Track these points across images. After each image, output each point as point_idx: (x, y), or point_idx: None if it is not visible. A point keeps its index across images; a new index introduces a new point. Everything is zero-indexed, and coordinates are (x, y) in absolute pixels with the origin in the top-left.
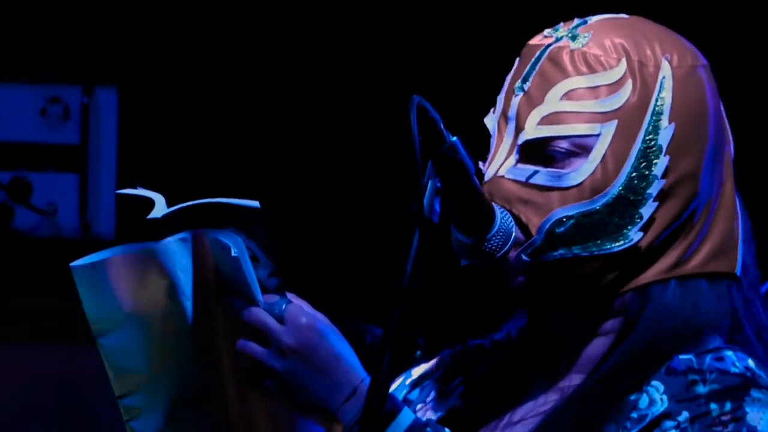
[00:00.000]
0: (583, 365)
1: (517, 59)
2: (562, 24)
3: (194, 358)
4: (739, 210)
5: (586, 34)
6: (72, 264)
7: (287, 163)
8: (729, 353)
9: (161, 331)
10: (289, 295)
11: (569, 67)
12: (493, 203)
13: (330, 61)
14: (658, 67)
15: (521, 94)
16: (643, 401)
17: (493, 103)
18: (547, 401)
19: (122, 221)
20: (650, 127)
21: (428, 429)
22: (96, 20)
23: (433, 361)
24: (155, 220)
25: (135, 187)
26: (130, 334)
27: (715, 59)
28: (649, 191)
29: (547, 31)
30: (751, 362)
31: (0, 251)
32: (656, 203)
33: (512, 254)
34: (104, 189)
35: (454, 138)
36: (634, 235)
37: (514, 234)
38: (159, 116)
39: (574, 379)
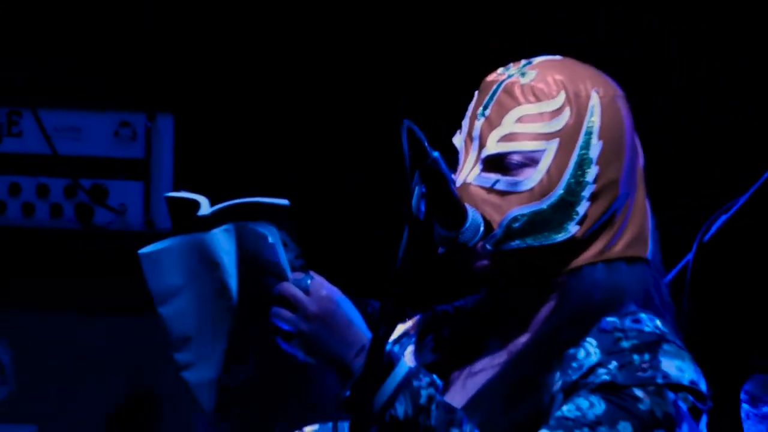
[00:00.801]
0: (529, 328)
1: (476, 92)
2: (512, 64)
3: (234, 323)
4: (648, 209)
5: (532, 72)
6: (139, 251)
7: (289, 163)
8: (643, 315)
9: (208, 302)
10: (311, 273)
11: (521, 98)
12: (465, 204)
13: (332, 62)
14: (588, 97)
15: (483, 118)
16: (581, 354)
17: (459, 126)
18: (501, 356)
19: (172, 217)
20: (584, 144)
21: (420, 375)
22: (158, 62)
23: (409, 323)
24: (203, 216)
25: (179, 191)
26: (184, 305)
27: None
28: (583, 194)
29: (500, 70)
30: (658, 322)
31: (84, 241)
32: (589, 203)
33: (477, 245)
34: (162, 194)
35: (436, 153)
36: (572, 228)
37: (482, 228)
38: (205, 137)
39: (522, 338)
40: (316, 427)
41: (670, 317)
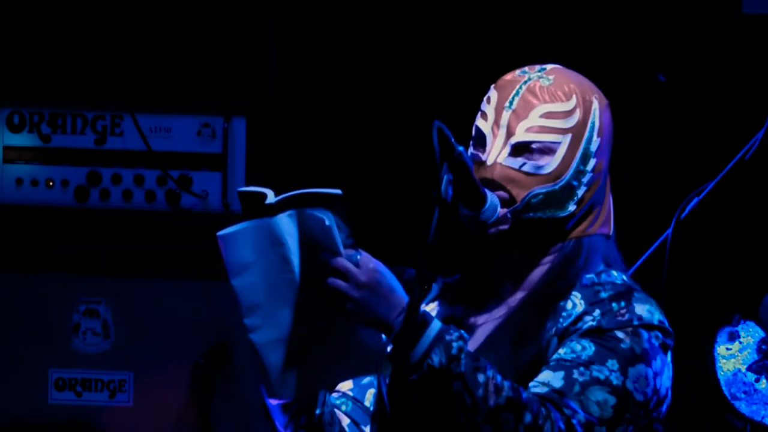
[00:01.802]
0: (524, 286)
1: (493, 87)
2: (527, 68)
3: (295, 293)
4: (611, 199)
5: (550, 77)
6: (218, 233)
7: (338, 159)
8: (613, 271)
9: (274, 275)
10: (360, 249)
11: (543, 97)
12: (485, 189)
13: (374, 70)
14: (591, 102)
15: (510, 111)
16: (569, 305)
17: (475, 112)
18: (500, 310)
19: (243, 206)
20: (588, 139)
21: (451, 330)
22: (233, 76)
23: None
24: (270, 204)
25: (249, 184)
26: (253, 277)
27: None
28: (583, 180)
29: (518, 72)
30: (624, 276)
31: (173, 221)
32: (585, 188)
33: (500, 212)
34: (237, 182)
35: (461, 147)
36: (572, 207)
37: (499, 209)
38: (271, 136)
39: (518, 295)
40: (350, 383)
41: (628, 275)
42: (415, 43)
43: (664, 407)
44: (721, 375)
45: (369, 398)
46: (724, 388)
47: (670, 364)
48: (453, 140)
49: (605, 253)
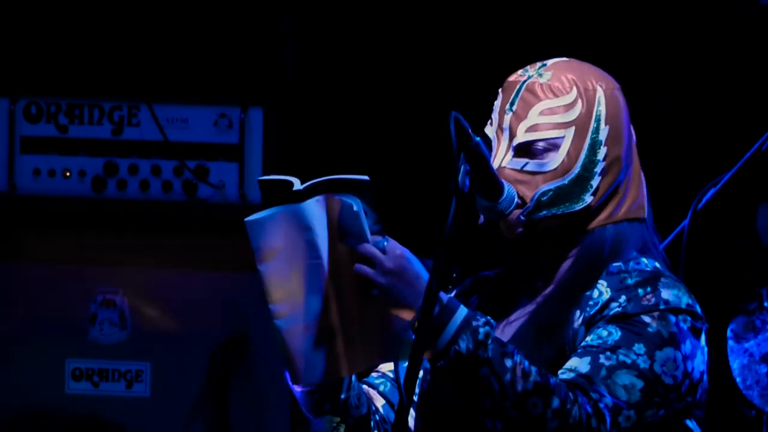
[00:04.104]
0: (553, 281)
1: (500, 90)
2: (529, 66)
3: (322, 279)
4: (642, 179)
5: (548, 73)
6: (246, 219)
7: (356, 149)
8: (643, 259)
9: (301, 260)
10: (386, 236)
11: (541, 95)
12: (502, 180)
13: (388, 64)
14: (595, 91)
15: (511, 113)
16: (595, 294)
17: (487, 118)
18: (530, 306)
19: (265, 196)
20: (594, 129)
21: (477, 316)
22: (250, 66)
23: (458, 287)
24: (298, 190)
25: (269, 174)
26: (280, 263)
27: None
28: (595, 170)
29: (520, 72)
30: (657, 264)
31: (190, 211)
32: (600, 177)
33: (514, 215)
34: (254, 172)
35: (478, 138)
36: (588, 198)
37: (516, 199)
38: (288, 126)
39: (548, 290)
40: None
41: (663, 261)
42: (434, 30)
43: (700, 391)
44: (733, 364)
45: None
46: (737, 377)
47: (705, 348)
48: (470, 131)
49: (637, 238)
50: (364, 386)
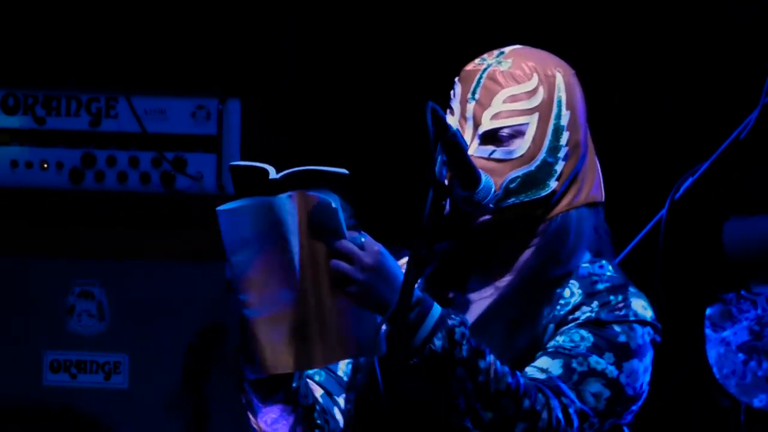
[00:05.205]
0: (512, 269)
1: (457, 80)
2: (486, 55)
3: (294, 272)
4: (597, 164)
5: (508, 60)
6: (217, 208)
7: (333, 140)
8: (604, 263)
9: (271, 254)
10: (363, 232)
11: (504, 82)
12: (479, 170)
13: (365, 56)
14: (554, 77)
15: (473, 102)
16: (566, 293)
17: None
18: (487, 291)
19: (235, 183)
20: (557, 114)
21: (452, 314)
22: (228, 57)
23: (401, 262)
24: (274, 179)
25: (244, 161)
26: (250, 255)
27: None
28: (559, 155)
29: (477, 60)
30: (611, 267)
31: (168, 203)
32: (563, 162)
33: (482, 203)
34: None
35: (455, 128)
36: (552, 184)
37: (494, 189)
38: (266, 117)
39: (507, 278)
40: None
41: (609, 257)
42: (420, 26)
43: (641, 402)
44: (710, 353)
45: (342, 368)
46: (713, 366)
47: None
48: (447, 121)
49: (589, 226)
50: None
